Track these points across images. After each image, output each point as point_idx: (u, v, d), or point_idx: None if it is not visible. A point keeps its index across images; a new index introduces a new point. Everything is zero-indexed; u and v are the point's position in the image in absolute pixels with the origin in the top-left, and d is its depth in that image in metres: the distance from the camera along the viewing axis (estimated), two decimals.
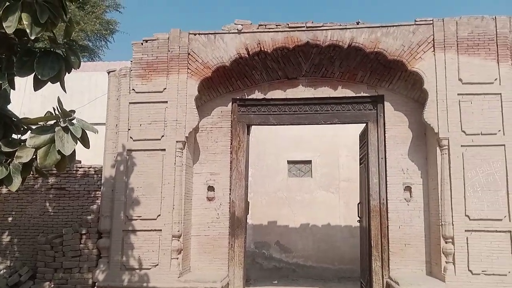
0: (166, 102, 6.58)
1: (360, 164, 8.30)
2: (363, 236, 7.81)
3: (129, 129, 6.58)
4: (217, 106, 7.25)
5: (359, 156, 8.36)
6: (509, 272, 5.90)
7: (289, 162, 11.52)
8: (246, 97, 7.26)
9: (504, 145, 6.17)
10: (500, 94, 6.28)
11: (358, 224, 8.49)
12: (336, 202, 11.19)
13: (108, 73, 6.98)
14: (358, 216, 8.13)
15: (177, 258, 6.26)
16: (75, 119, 3.17)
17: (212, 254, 6.80)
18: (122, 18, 28.87)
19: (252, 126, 10.91)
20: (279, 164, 11.40)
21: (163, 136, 6.51)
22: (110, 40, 17.41)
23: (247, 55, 6.64)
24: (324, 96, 7.16)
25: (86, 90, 11.00)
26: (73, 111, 3.22)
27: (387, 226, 6.77)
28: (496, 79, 6.31)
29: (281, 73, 7.12)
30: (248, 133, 7.41)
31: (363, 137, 7.70)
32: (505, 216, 6.03)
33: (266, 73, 7.10)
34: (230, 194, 7.02)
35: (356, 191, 8.57)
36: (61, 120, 3.04)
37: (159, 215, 6.32)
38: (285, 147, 11.38)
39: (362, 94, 7.11)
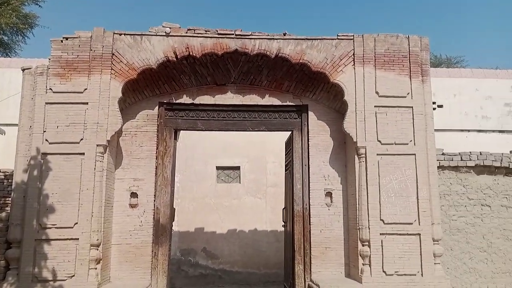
0: (87, 103, 6.23)
1: (285, 171, 8.53)
2: (287, 241, 8.01)
3: (45, 131, 6.12)
4: (143, 109, 7.02)
5: (285, 162, 8.59)
6: (418, 272, 6.37)
7: (217, 168, 11.53)
8: (174, 101, 7.12)
9: (414, 154, 6.69)
10: (412, 107, 6.81)
11: (283, 228, 8.69)
12: (263, 207, 11.39)
13: (23, 70, 6.46)
14: (283, 221, 8.33)
15: (96, 268, 5.92)
16: None
17: (134, 263, 6.52)
18: (43, 12, 27.00)
19: (181, 131, 10.78)
20: (207, 169, 11.35)
21: (82, 139, 6.14)
22: (29, 35, 16.15)
23: (175, 59, 6.54)
24: (252, 104, 7.27)
25: None
26: None
27: (310, 231, 7.01)
28: (408, 93, 6.84)
29: (210, 78, 7.11)
30: (175, 138, 7.27)
31: (289, 145, 7.93)
32: (415, 220, 6.52)
33: (195, 78, 7.05)
34: (154, 200, 6.81)
35: (283, 197, 8.79)
36: None
37: (76, 223, 5.94)
38: (214, 153, 11.37)
39: (288, 103, 7.33)
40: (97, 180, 6.07)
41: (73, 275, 5.81)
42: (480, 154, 7.77)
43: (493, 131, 12.87)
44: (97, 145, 6.14)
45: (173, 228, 8.44)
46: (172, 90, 7.12)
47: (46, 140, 6.11)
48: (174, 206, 7.37)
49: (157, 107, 7.06)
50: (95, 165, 6.10)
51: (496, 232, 7.64)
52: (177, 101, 7.14)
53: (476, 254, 7.53)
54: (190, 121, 7.26)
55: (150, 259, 6.60)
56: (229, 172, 11.67)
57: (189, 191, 11.16)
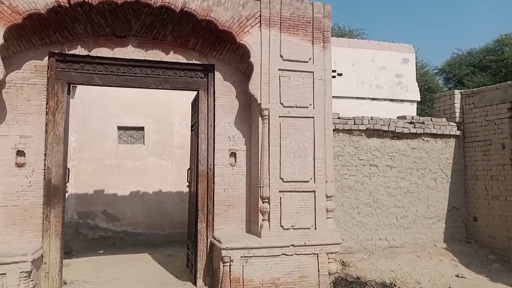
0: None
1: (191, 131, 8.45)
2: (191, 200, 8.05)
3: None
4: (30, 59, 6.28)
5: (191, 123, 8.50)
6: (312, 226, 6.87)
7: (119, 128, 10.99)
8: (67, 52, 6.47)
9: (313, 117, 7.05)
10: (313, 72, 7.11)
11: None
12: (168, 169, 11.24)
13: None
14: (188, 181, 8.32)
15: None
16: None
17: (22, 226, 6.02)
18: None
19: (77, 87, 9.97)
20: (108, 129, 10.77)
21: None
22: None
23: (67, 5, 5.87)
24: (155, 60, 6.94)
25: None
26: None
27: (213, 190, 7.11)
28: (310, 59, 7.10)
29: (109, 29, 6.59)
30: (69, 93, 6.68)
31: (195, 105, 7.81)
32: (311, 178, 6.96)
33: (91, 28, 6.46)
34: (45, 160, 6.25)
35: (188, 158, 8.73)
36: None
37: None
38: (115, 112, 10.80)
39: (194, 61, 7.15)
40: None
41: None
42: (371, 118, 8.50)
43: (385, 99, 14.09)
44: None
45: (69, 190, 7.96)
46: (64, 39, 6.45)
47: None
48: (69, 167, 6.90)
49: (46, 58, 6.37)
50: None
51: (381, 189, 8.53)
52: (70, 52, 6.50)
53: (363, 209, 8.37)
54: (86, 74, 6.70)
55: (41, 221, 6.14)
56: (132, 132, 11.19)
57: (87, 152, 10.52)
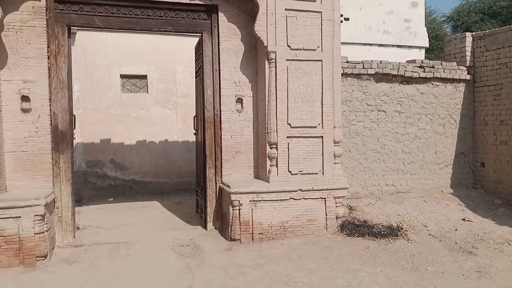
0: None
1: (196, 77, 8.28)
2: (198, 147, 8.04)
3: None
4: (27, 0, 6.04)
5: (195, 68, 8.30)
6: (320, 171, 6.89)
7: (122, 76, 10.81)
8: None
9: (321, 60, 6.85)
10: (321, 12, 6.82)
11: (194, 139, 8.67)
12: (173, 118, 11.18)
13: None
14: (194, 128, 8.28)
15: None
16: None
17: (33, 171, 6.05)
18: None
19: (78, 33, 9.70)
20: (111, 78, 10.59)
21: None
22: None
23: None
24: (157, 0, 6.65)
25: None
26: None
27: (221, 136, 7.06)
28: None
29: None
30: (69, 36, 6.45)
31: (199, 49, 7.60)
32: (319, 124, 6.89)
33: None
34: (50, 105, 6.16)
35: (193, 107, 8.63)
36: None
37: None
38: (118, 60, 10.57)
39: (197, 1, 6.84)
40: None
41: None
42: (380, 62, 8.27)
43: (393, 45, 13.69)
44: None
45: (76, 139, 7.94)
46: None
47: None
48: (75, 115, 6.82)
49: None
50: None
51: (389, 135, 8.46)
52: None
53: (370, 155, 8.34)
54: (86, 16, 6.43)
55: (51, 167, 6.16)
56: (135, 81, 11.02)
57: (91, 101, 10.42)
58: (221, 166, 7.08)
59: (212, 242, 6.52)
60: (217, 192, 7.13)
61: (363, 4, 13.30)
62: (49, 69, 6.15)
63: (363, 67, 8.15)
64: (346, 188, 7.02)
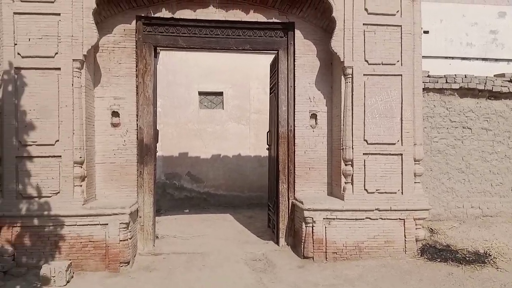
0: (59, 14, 5.75)
1: (270, 93, 8.40)
2: (271, 162, 8.10)
3: (16, 44, 5.69)
4: (119, 23, 6.56)
5: (270, 85, 8.43)
6: (398, 190, 6.56)
7: (200, 93, 11.32)
8: (152, 15, 6.64)
9: (401, 75, 6.61)
10: (401, 26, 6.61)
11: (266, 154, 8.76)
12: (247, 133, 11.41)
13: None
14: (267, 143, 8.36)
15: (81, 186, 5.88)
16: None
17: (119, 182, 6.51)
18: None
19: (161, 53, 10.36)
20: (190, 95, 11.14)
21: (57, 53, 5.75)
22: None
23: None
24: (236, 20, 6.89)
25: None
26: None
27: (294, 152, 7.05)
28: (398, 11, 6.59)
29: None
30: (155, 56, 6.93)
31: (274, 66, 7.72)
32: (398, 141, 6.60)
33: None
34: (137, 120, 6.63)
35: (266, 123, 8.75)
36: None
37: (58, 140, 5.77)
38: (196, 78, 11.10)
39: (274, 20, 6.99)
40: (75, 97, 5.81)
41: (58, 192, 5.77)
42: (465, 77, 7.78)
43: (477, 59, 12.82)
44: (73, 60, 5.79)
45: (157, 152, 8.41)
46: (150, 3, 6.63)
47: (19, 53, 5.71)
48: (158, 130, 7.25)
49: (134, 21, 6.61)
50: (73, 81, 5.80)
51: (474, 154, 7.88)
52: (156, 15, 6.66)
53: (454, 174, 7.81)
54: (171, 37, 6.87)
55: (136, 178, 6.59)
56: (212, 97, 11.48)
57: (171, 117, 11.03)
58: (294, 182, 7.05)
59: (284, 258, 6.47)
60: (290, 208, 7.09)
61: (444, 16, 12.66)
62: (137, 87, 6.64)
63: (446, 82, 7.72)
64: (427, 210, 6.61)
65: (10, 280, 5.37)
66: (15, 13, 5.71)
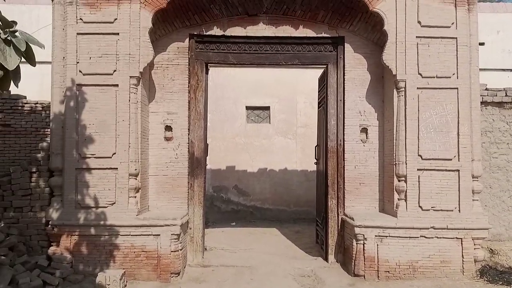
0: (118, 34, 6.09)
1: (318, 107, 8.35)
2: (319, 177, 7.99)
3: (78, 62, 6.08)
4: (173, 41, 6.84)
5: (318, 99, 8.38)
6: (455, 208, 6.25)
7: (247, 108, 11.46)
8: (204, 33, 6.88)
9: (457, 88, 6.35)
10: (456, 38, 6.38)
11: (313, 168, 8.68)
12: (293, 147, 11.37)
13: (52, 0, 6.34)
14: (316, 158, 8.28)
15: (135, 197, 6.11)
16: (17, 31, 2.81)
17: (171, 194, 6.70)
18: None
19: (211, 69, 10.62)
20: (237, 109, 11.31)
21: (115, 70, 6.08)
22: None
23: None
24: (285, 36, 6.96)
25: (27, 24, 10.06)
26: (15, 22, 2.85)
27: (343, 166, 6.94)
28: (453, 23, 6.38)
29: (241, 8, 6.79)
30: (207, 72, 7.13)
31: (323, 80, 7.68)
32: (454, 156, 6.30)
33: (226, 8, 6.74)
34: (189, 134, 6.83)
35: (312, 137, 8.70)
36: (0, 31, 2.69)
37: (115, 153, 6.05)
38: (244, 93, 11.27)
39: (323, 34, 6.99)
40: (132, 112, 6.09)
41: (114, 203, 6.02)
42: None
43: None
44: (130, 77, 6.09)
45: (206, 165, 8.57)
46: (202, 21, 6.87)
47: (80, 71, 6.09)
48: (208, 144, 7.40)
49: (187, 39, 6.87)
50: (129, 97, 6.09)
51: None
52: (208, 33, 6.90)
53: None
54: (221, 54, 7.05)
55: (187, 190, 6.75)
56: (259, 112, 11.58)
57: (219, 131, 11.23)
58: (344, 197, 6.91)
59: (334, 276, 6.32)
60: (339, 224, 6.94)
61: (501, 27, 12.11)
62: (188, 102, 6.85)
63: (506, 95, 7.33)
64: (487, 229, 6.25)
65: (68, 287, 5.62)
66: (78, 33, 6.10)
